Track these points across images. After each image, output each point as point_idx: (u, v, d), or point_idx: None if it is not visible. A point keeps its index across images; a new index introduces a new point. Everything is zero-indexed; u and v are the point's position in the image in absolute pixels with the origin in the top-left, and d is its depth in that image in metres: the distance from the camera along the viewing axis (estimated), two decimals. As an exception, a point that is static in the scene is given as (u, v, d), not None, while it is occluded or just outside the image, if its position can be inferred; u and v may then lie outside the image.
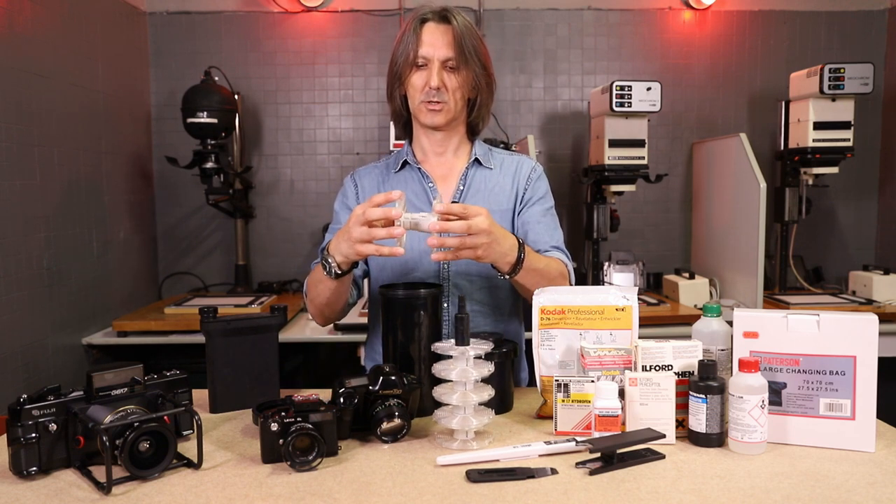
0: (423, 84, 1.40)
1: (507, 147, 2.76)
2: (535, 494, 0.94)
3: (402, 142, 1.58)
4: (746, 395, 1.06)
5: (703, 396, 1.09)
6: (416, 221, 1.17)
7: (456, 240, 1.18)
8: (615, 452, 1.03)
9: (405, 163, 1.52)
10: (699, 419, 1.10)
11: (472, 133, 1.54)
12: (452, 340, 1.13)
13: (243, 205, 3.12)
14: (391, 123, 1.64)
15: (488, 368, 1.13)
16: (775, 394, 1.11)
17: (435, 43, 1.39)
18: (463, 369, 1.11)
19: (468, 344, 1.12)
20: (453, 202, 1.46)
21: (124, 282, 2.83)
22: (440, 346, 1.14)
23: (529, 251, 1.30)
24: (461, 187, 1.49)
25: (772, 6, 3.20)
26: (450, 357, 1.13)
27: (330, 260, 1.28)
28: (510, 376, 1.32)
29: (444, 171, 1.52)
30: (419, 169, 1.50)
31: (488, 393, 1.13)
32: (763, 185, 2.57)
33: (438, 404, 1.14)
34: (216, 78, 2.86)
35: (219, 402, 1.31)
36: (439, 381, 1.31)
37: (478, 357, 1.13)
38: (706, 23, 3.21)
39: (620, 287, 1.26)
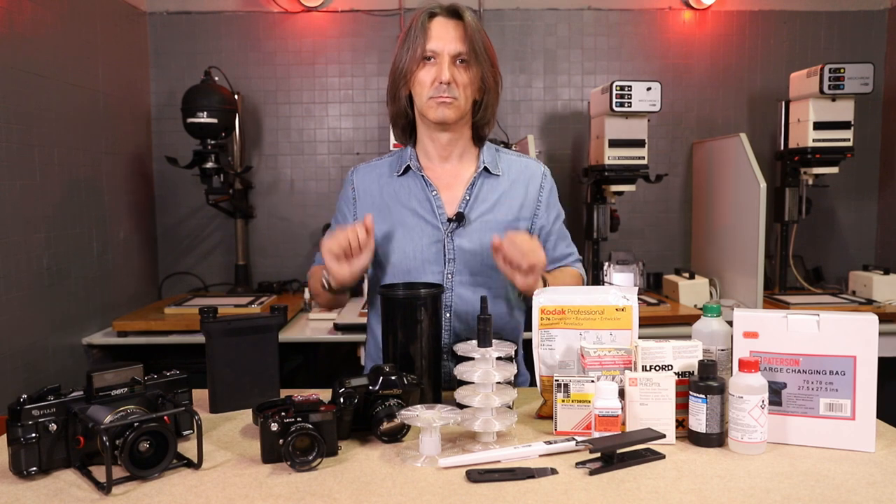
0: (431, 79, 1.36)
1: (506, 147, 2.75)
2: (535, 494, 0.94)
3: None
4: (746, 395, 1.06)
5: (703, 396, 1.09)
6: None
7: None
8: (615, 452, 1.03)
9: (408, 167, 1.48)
10: (699, 419, 1.10)
11: (477, 138, 1.49)
12: (474, 342, 1.13)
13: (243, 205, 3.11)
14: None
15: (511, 371, 1.13)
16: (775, 394, 1.11)
17: (445, 37, 1.35)
18: (486, 371, 1.10)
19: (491, 345, 1.11)
20: (459, 212, 1.43)
21: (124, 282, 2.83)
22: (462, 348, 1.13)
23: (549, 281, 1.39)
24: (467, 197, 1.45)
25: (772, 6, 3.20)
26: (472, 359, 1.12)
27: (328, 276, 1.38)
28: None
29: (448, 178, 1.47)
30: (423, 177, 1.46)
31: (511, 396, 1.12)
32: (763, 185, 2.57)
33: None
34: (216, 78, 2.86)
35: (219, 402, 1.31)
36: (439, 381, 1.31)
37: (500, 358, 1.13)
38: (706, 23, 3.21)
39: (620, 287, 1.26)
